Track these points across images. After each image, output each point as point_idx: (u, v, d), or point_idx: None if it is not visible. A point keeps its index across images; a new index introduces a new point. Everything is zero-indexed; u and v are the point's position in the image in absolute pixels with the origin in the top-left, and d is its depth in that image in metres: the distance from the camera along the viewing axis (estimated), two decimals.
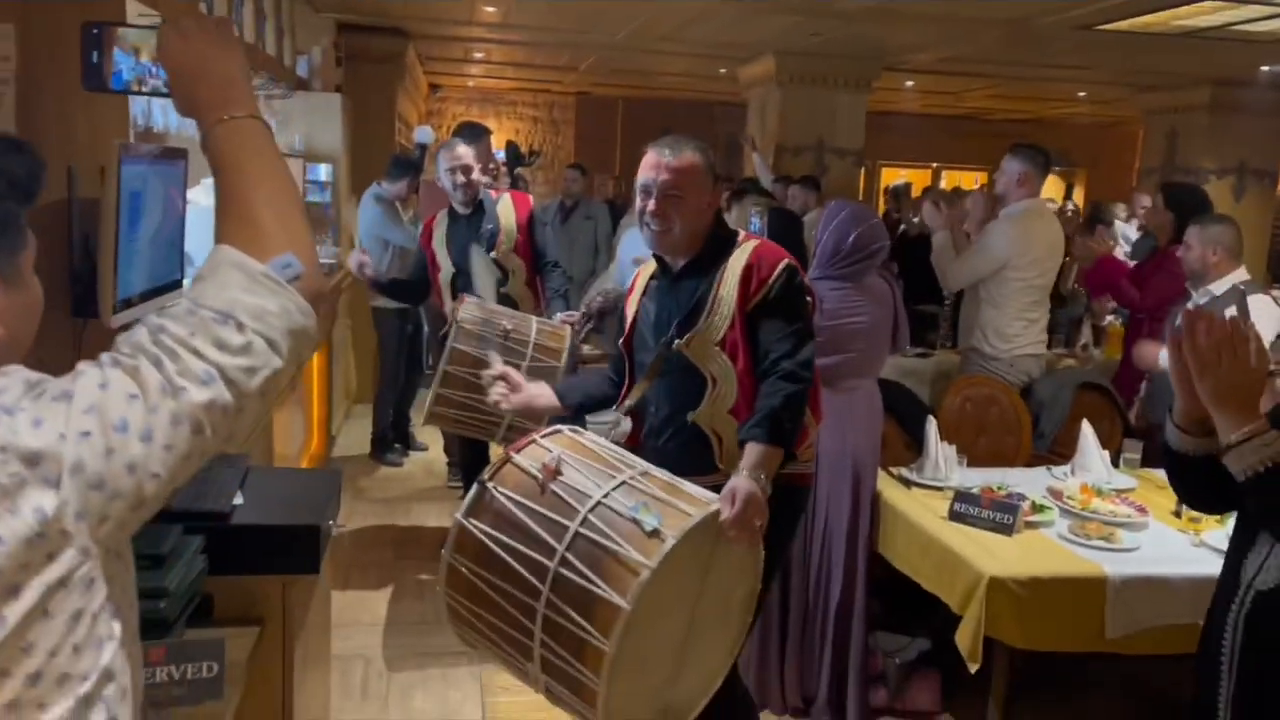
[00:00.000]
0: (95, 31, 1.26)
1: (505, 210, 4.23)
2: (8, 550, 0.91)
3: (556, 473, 2.01)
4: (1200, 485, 1.91)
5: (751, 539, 2.07)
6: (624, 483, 2.00)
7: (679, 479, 2.08)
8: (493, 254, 4.14)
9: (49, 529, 0.93)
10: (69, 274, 2.08)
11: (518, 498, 2.00)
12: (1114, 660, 3.14)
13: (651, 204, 2.42)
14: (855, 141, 8.38)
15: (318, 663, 2.43)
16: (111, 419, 0.95)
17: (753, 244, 2.47)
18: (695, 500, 2.01)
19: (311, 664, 2.32)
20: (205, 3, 4.24)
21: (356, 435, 6.17)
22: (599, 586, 1.86)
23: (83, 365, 0.99)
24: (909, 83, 9.79)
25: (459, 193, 4.18)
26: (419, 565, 4.36)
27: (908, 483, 3.41)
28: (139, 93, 1.30)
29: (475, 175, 4.20)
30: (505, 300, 4.12)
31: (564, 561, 1.90)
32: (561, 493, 1.98)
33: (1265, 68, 7.54)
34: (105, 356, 1.00)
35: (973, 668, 2.75)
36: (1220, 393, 1.69)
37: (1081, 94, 10.20)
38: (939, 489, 3.32)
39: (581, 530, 1.91)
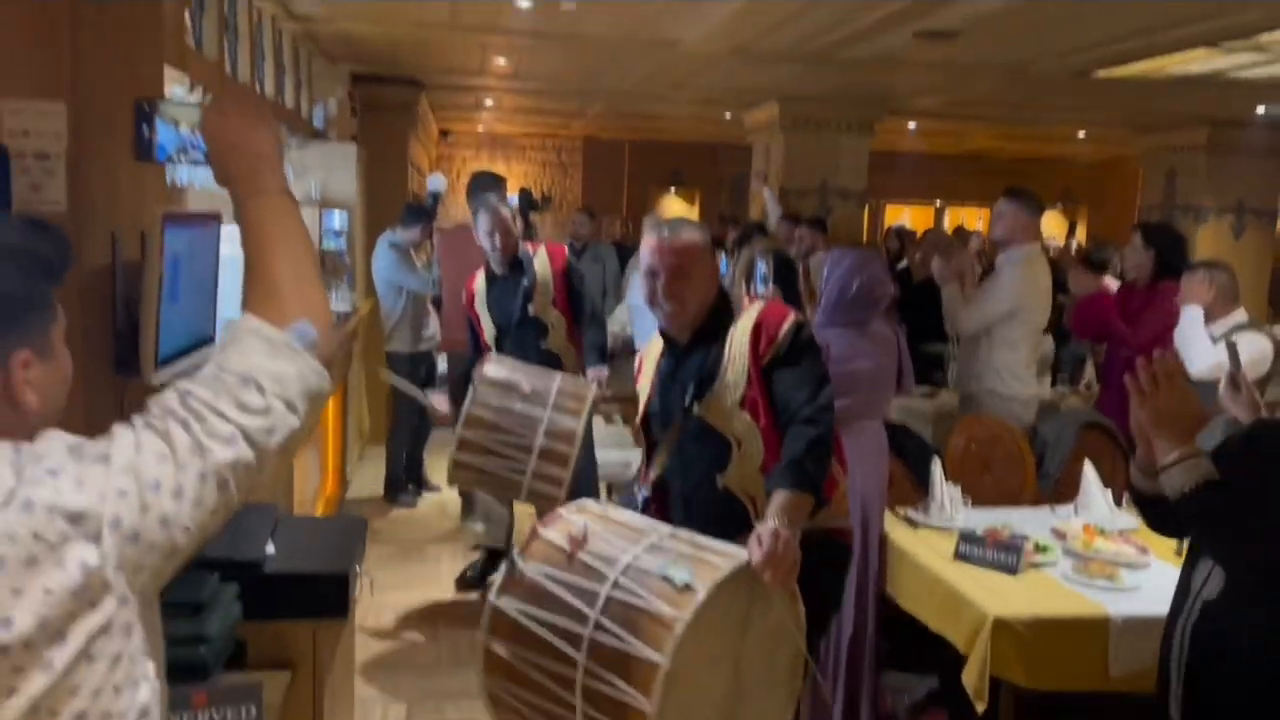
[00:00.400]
0: (146, 108, 1.40)
1: (541, 264, 4.25)
2: (56, 600, 0.99)
3: (583, 542, 2.03)
4: (1161, 517, 2.12)
5: (785, 579, 2.04)
6: (652, 544, 2.01)
7: (706, 538, 2.08)
8: (530, 310, 4.16)
9: (92, 580, 1.01)
10: (112, 334, 2.20)
11: (548, 569, 2.01)
12: (1121, 696, 3.20)
13: (661, 287, 2.48)
14: (858, 183, 8.53)
15: (345, 704, 2.52)
16: (146, 478, 1.04)
17: (758, 305, 2.54)
18: (724, 554, 2.01)
19: (340, 705, 2.40)
20: (230, 59, 4.42)
21: (370, 477, 6.26)
22: (634, 646, 1.85)
23: (117, 428, 1.07)
24: (912, 124, 9.97)
25: (497, 254, 4.22)
26: (434, 607, 4.44)
27: (914, 523, 3.47)
28: (180, 162, 1.42)
29: (511, 238, 4.24)
30: (547, 355, 4.12)
31: (598, 626, 1.90)
32: (590, 560, 1.99)
33: (1261, 109, 7.69)
34: (137, 419, 1.08)
35: (980, 707, 2.81)
36: (1155, 420, 1.90)
37: (1081, 134, 10.38)
38: (945, 530, 3.39)
39: (613, 593, 1.91)
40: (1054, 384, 6.34)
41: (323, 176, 6.38)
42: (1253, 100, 7.31)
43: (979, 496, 3.80)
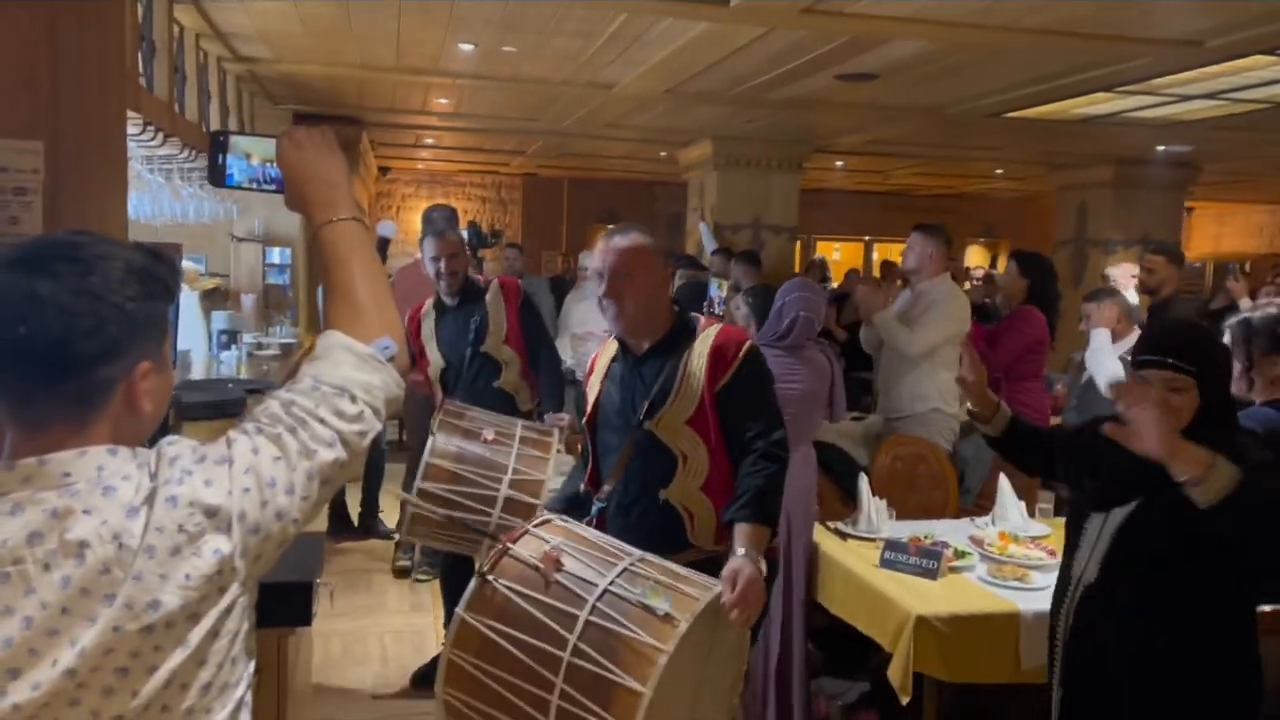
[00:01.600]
0: (221, 139, 1.52)
1: (494, 299, 3.98)
2: (194, 584, 1.11)
3: (559, 562, 2.03)
4: (1014, 453, 2.57)
5: (749, 620, 2.13)
6: (626, 569, 2.03)
7: (672, 564, 2.12)
8: (482, 347, 3.92)
9: (224, 566, 1.13)
10: None
11: (520, 589, 2.01)
12: (1032, 688, 3.42)
13: (603, 286, 2.54)
14: (789, 219, 8.85)
15: (305, 705, 2.63)
16: (264, 477, 1.16)
17: (716, 327, 2.58)
18: (696, 584, 2.03)
19: (300, 707, 2.52)
20: (178, 100, 4.54)
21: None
22: (615, 674, 1.86)
23: (233, 434, 1.19)
24: (839, 163, 10.35)
25: (443, 282, 3.94)
26: (382, 629, 4.53)
27: (843, 535, 3.67)
28: (249, 189, 1.53)
29: (460, 265, 3.99)
30: (499, 395, 3.89)
31: (577, 651, 1.90)
32: (566, 582, 1.99)
33: (1161, 147, 8.18)
34: (249, 426, 1.20)
35: (904, 699, 3.00)
36: (1168, 444, 1.85)
37: (999, 171, 10.86)
38: (871, 540, 3.58)
39: (592, 619, 1.92)
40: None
41: (265, 214, 6.48)
42: (1154, 140, 7.78)
43: (905, 512, 4.01)
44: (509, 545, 2.11)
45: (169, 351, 1.25)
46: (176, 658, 1.10)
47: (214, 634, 1.13)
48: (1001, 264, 13.94)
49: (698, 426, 2.47)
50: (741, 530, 2.31)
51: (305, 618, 2.36)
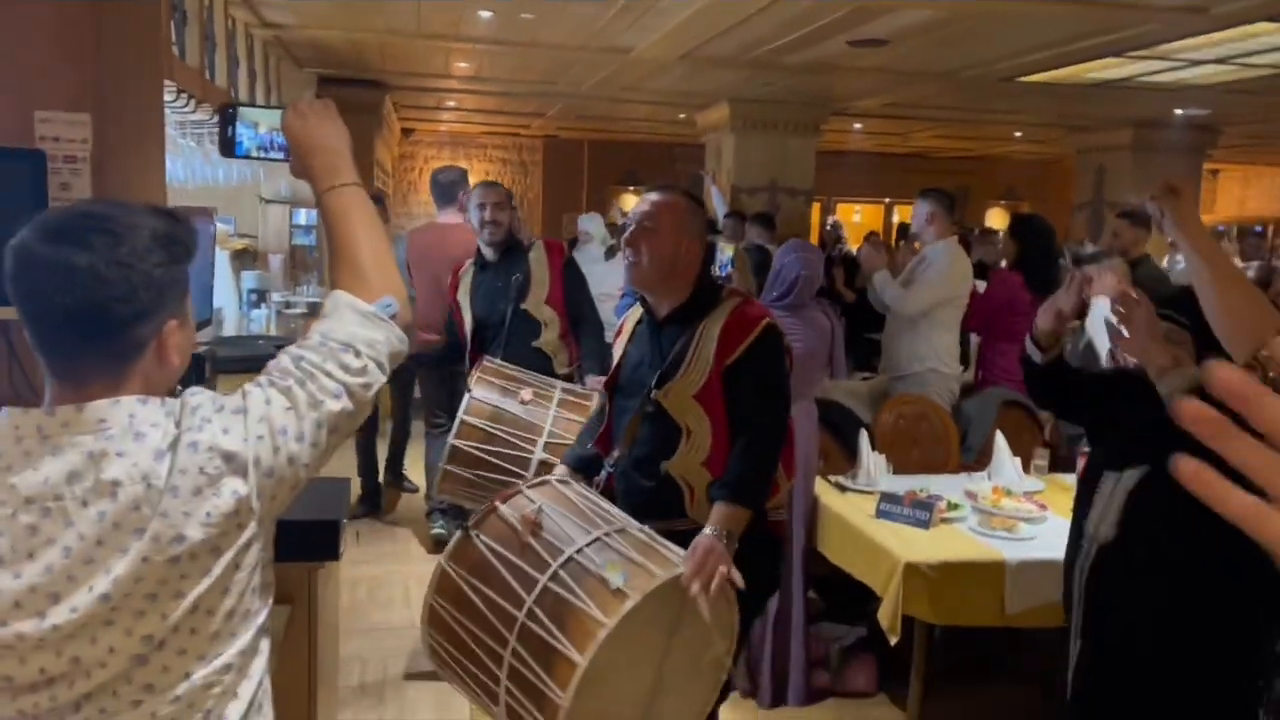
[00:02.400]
0: (230, 111, 1.60)
1: (537, 257, 3.95)
2: (215, 521, 1.20)
3: (537, 525, 2.10)
4: (1046, 389, 2.47)
5: (711, 593, 2.09)
6: (598, 539, 2.05)
7: (657, 538, 2.14)
8: (523, 305, 3.86)
9: (241, 506, 1.22)
10: None
11: (497, 547, 2.10)
12: (1025, 652, 3.60)
13: (626, 235, 2.52)
14: (805, 182, 8.92)
15: (332, 638, 2.85)
16: (276, 426, 1.25)
17: (735, 301, 2.50)
18: (666, 561, 2.04)
19: (329, 638, 2.73)
20: (208, 67, 4.70)
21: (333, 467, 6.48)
22: (560, 641, 1.91)
23: (248, 387, 1.28)
24: (858, 125, 10.38)
25: (486, 230, 3.91)
26: (407, 574, 4.76)
27: (843, 488, 3.84)
28: (257, 158, 1.63)
29: (504, 216, 3.93)
30: (537, 355, 3.82)
31: (530, 614, 1.97)
32: (537, 545, 2.06)
33: (1179, 111, 8.18)
34: (263, 379, 1.29)
35: (892, 640, 3.17)
36: (1150, 339, 2.01)
37: (1018, 134, 10.85)
38: (869, 493, 3.74)
39: (550, 584, 1.98)
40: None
41: (293, 176, 6.63)
42: (1171, 103, 7.78)
43: (909, 468, 4.16)
44: (498, 504, 2.21)
45: (190, 308, 1.34)
46: (201, 586, 1.20)
47: (235, 566, 1.23)
48: None
49: (704, 401, 2.42)
50: (717, 509, 2.29)
51: (333, 553, 2.56)
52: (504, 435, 3.23)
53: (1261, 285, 2.68)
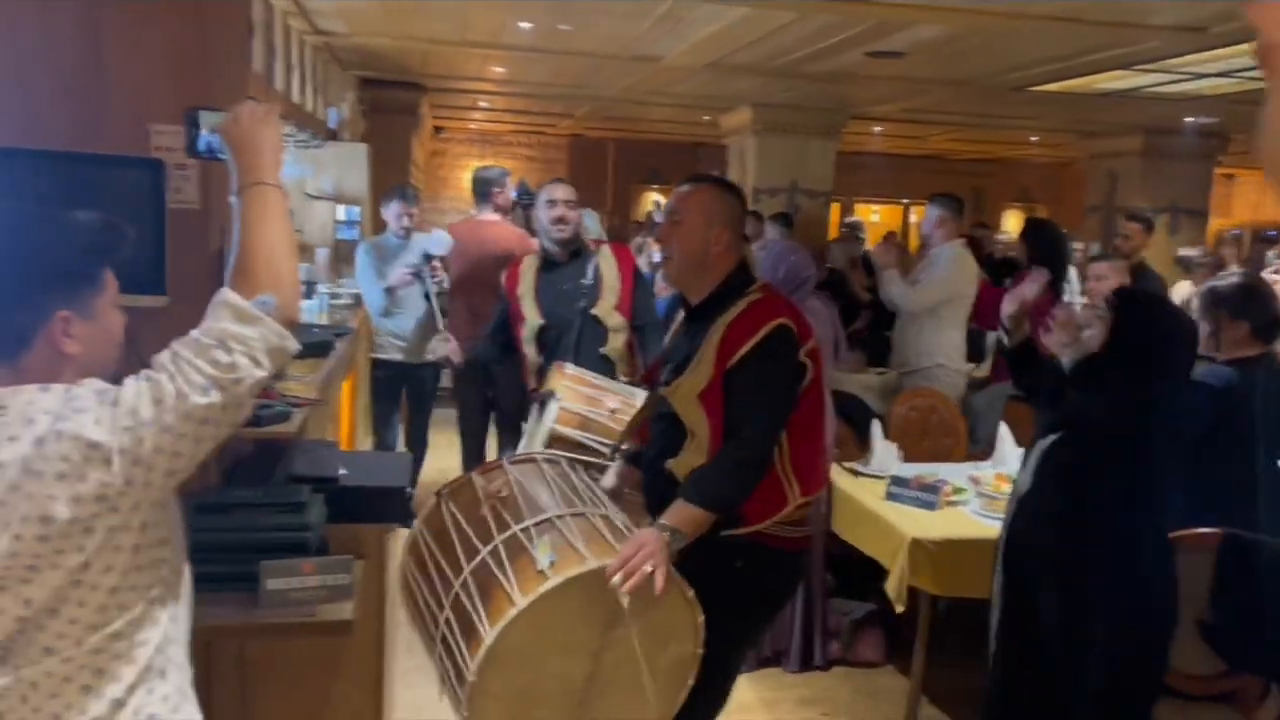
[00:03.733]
0: (192, 115, 1.74)
1: (607, 262, 3.75)
2: (81, 504, 1.29)
3: (500, 499, 2.13)
4: (1018, 370, 2.81)
5: (636, 589, 1.99)
6: (550, 519, 2.07)
7: (621, 527, 2.14)
8: (593, 310, 3.67)
9: (107, 491, 1.30)
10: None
11: (458, 516, 2.16)
12: None
13: (658, 232, 2.53)
14: (825, 184, 9.18)
15: (399, 599, 3.17)
16: (142, 417, 1.32)
17: (754, 296, 2.35)
18: (607, 550, 2.01)
19: (396, 597, 3.04)
20: (268, 73, 5.04)
21: None
22: (479, 613, 1.95)
23: (127, 380, 1.36)
24: (877, 128, 10.63)
25: (556, 230, 3.71)
26: None
27: (856, 473, 4.08)
28: (210, 158, 1.76)
29: (575, 216, 3.76)
30: (603, 362, 3.62)
31: (464, 584, 2.01)
32: (490, 518, 2.09)
33: (1189, 119, 8.41)
34: (143, 373, 1.36)
35: (899, 608, 3.44)
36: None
37: (1033, 139, 11.07)
38: (881, 478, 3.96)
39: (487, 557, 2.01)
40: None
41: (336, 174, 6.95)
42: (1180, 112, 8.00)
43: (918, 456, 4.41)
44: (474, 475, 2.31)
45: (104, 305, 1.42)
46: (73, 559, 1.29)
47: (113, 547, 1.33)
48: None
49: (707, 403, 2.29)
50: (673, 505, 2.19)
51: (401, 517, 2.87)
52: (594, 446, 3.08)
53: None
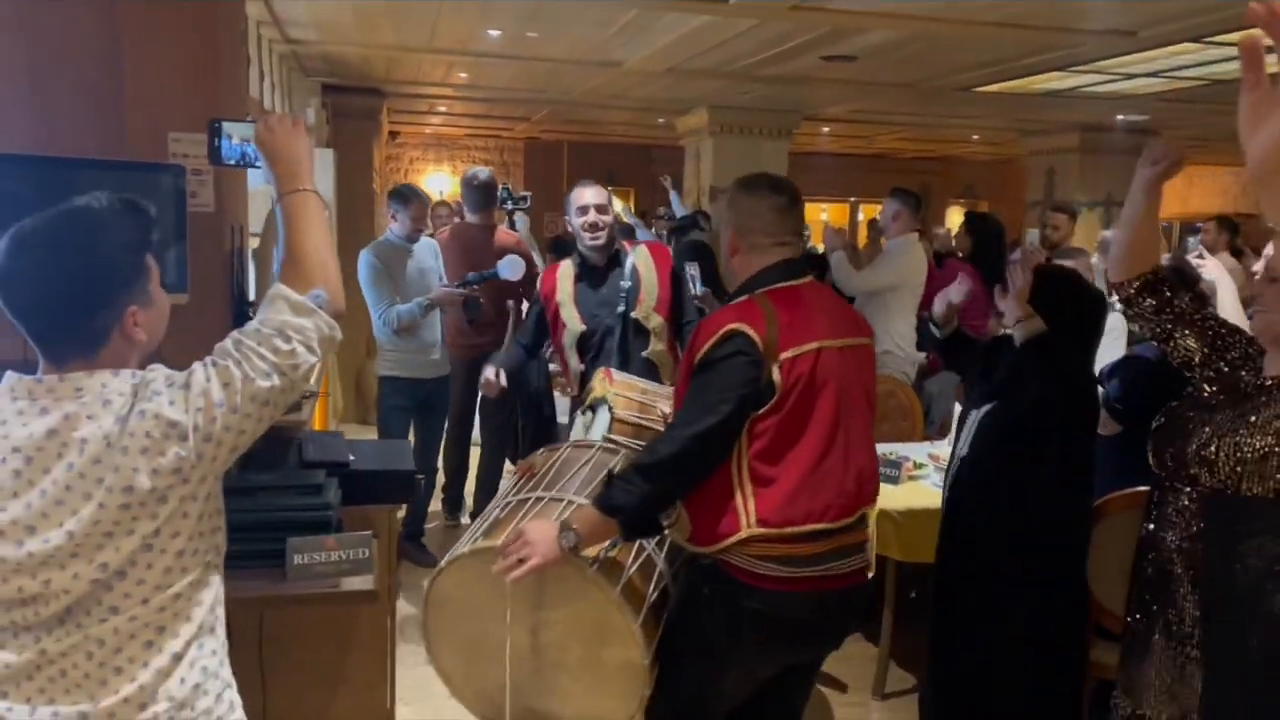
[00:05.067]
0: (216, 125, 1.82)
1: (644, 263, 3.62)
2: (160, 475, 1.41)
3: (531, 474, 2.52)
4: (947, 353, 3.14)
5: (510, 574, 2.12)
6: (532, 498, 2.41)
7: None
8: (634, 313, 3.55)
9: (183, 464, 1.42)
10: (232, 295, 3.00)
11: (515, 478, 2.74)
12: None
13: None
14: None
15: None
16: (214, 399, 1.44)
17: (739, 299, 2.29)
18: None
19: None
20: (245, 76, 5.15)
21: None
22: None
23: (195, 365, 1.48)
24: (826, 129, 10.92)
25: (591, 235, 3.56)
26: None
27: None
28: (243, 166, 1.86)
29: (610, 219, 3.63)
30: (646, 366, 3.53)
31: (474, 528, 2.49)
32: (513, 486, 2.63)
33: (1121, 116, 8.82)
34: (209, 359, 1.48)
35: (869, 574, 3.72)
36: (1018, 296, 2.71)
37: (975, 137, 11.45)
38: None
39: (495, 511, 2.50)
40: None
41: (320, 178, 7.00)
42: (1112, 110, 8.39)
43: (878, 439, 4.59)
44: (542, 450, 2.71)
45: (155, 288, 1.53)
46: (148, 526, 1.41)
47: (183, 514, 1.45)
48: None
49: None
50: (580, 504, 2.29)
51: (407, 497, 3.06)
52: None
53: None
